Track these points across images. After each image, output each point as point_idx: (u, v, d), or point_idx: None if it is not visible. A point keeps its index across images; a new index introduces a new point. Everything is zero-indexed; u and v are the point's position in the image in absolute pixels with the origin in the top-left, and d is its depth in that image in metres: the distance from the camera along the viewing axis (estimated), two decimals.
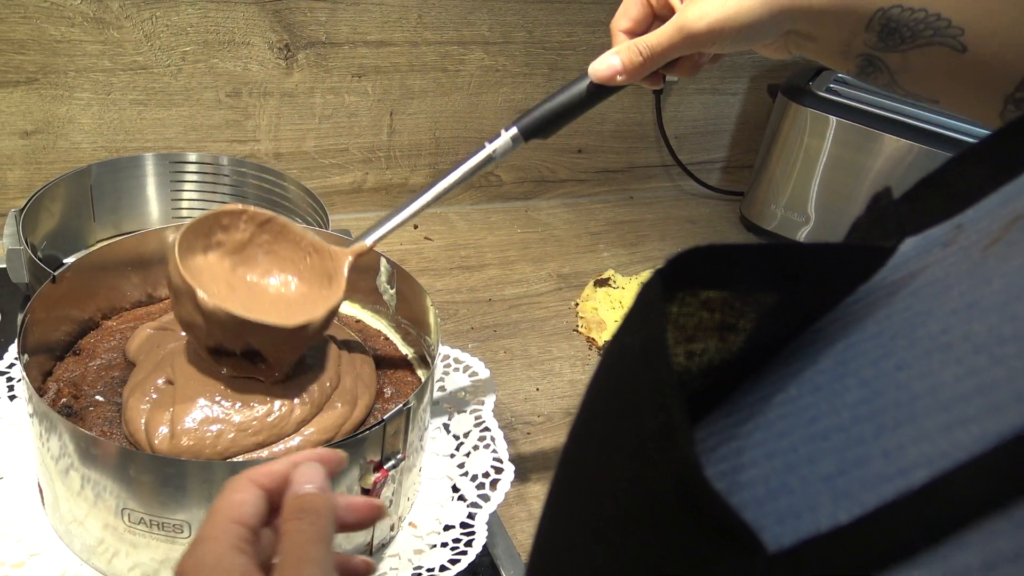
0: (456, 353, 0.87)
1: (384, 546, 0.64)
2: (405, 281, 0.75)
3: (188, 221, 0.61)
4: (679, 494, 0.21)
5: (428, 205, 0.64)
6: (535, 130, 0.63)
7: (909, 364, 0.22)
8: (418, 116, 1.12)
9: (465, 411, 0.78)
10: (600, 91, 0.61)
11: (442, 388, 0.82)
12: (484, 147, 0.63)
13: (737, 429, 0.25)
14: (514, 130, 0.63)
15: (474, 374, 0.84)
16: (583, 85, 0.61)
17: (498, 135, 0.63)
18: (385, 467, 0.57)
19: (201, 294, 0.56)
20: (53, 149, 0.97)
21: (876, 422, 0.21)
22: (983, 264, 0.24)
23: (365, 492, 0.57)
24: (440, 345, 0.89)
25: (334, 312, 0.62)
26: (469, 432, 0.76)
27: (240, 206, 0.63)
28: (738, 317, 0.26)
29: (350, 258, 0.64)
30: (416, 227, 1.14)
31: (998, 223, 0.25)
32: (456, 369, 0.85)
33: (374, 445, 0.56)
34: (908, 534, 0.18)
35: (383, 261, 0.77)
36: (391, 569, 0.62)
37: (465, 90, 1.13)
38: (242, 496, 0.40)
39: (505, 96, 1.15)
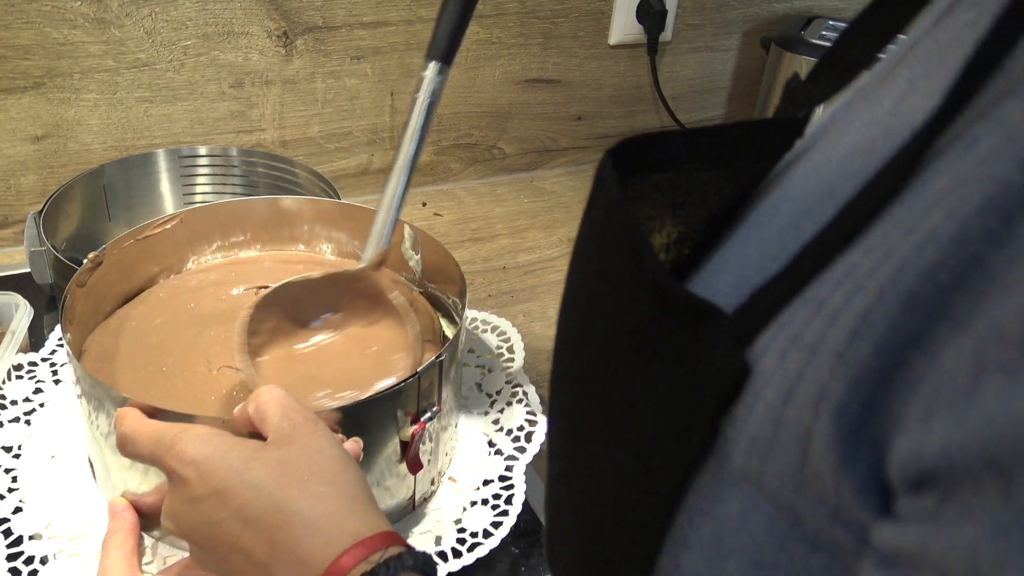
0: (483, 316, 0.88)
1: (426, 500, 0.65)
2: (429, 246, 0.77)
3: (236, 356, 0.60)
4: (656, 302, 0.26)
5: (410, 179, 0.63)
6: (451, 51, 0.62)
7: (825, 172, 0.28)
8: None
9: (496, 370, 0.80)
10: None
11: (471, 350, 0.83)
12: (417, 99, 0.61)
13: (704, 265, 0.32)
14: (434, 64, 0.61)
15: (502, 333, 0.85)
16: None
17: (422, 80, 0.61)
18: (422, 419, 0.59)
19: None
20: (64, 152, 0.98)
21: (793, 223, 0.28)
22: (876, 93, 0.29)
23: (404, 445, 0.59)
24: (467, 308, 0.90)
25: (419, 353, 0.64)
26: (501, 389, 0.77)
27: (250, 306, 0.61)
28: (685, 195, 0.31)
29: (381, 273, 0.65)
30: (425, 204, 1.16)
31: (887, 66, 0.31)
32: (484, 331, 0.86)
33: (410, 397, 0.58)
34: (807, 266, 0.25)
35: (406, 228, 0.78)
36: (436, 523, 0.64)
37: (462, 65, 1.14)
38: None
39: (502, 68, 1.16)
